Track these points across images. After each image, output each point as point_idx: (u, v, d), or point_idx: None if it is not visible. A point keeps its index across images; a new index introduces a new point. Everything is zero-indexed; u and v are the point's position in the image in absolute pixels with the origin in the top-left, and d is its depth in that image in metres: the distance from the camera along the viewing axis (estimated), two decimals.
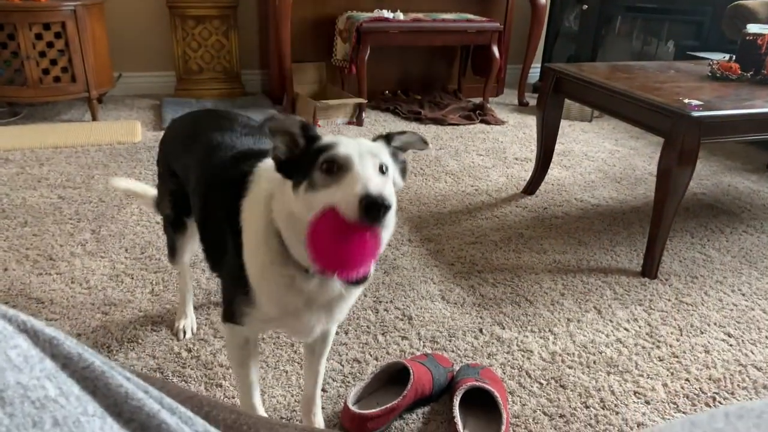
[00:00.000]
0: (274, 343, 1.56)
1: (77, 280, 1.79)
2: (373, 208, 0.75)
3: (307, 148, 0.91)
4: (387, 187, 0.84)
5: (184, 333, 1.58)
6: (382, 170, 0.87)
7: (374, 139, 0.97)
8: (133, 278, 1.82)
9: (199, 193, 1.19)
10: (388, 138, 0.97)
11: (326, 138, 0.91)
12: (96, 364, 0.36)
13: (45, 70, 3.06)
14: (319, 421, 1.30)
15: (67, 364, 0.36)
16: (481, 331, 1.67)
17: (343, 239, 0.76)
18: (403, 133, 0.99)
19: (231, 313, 1.08)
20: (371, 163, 0.84)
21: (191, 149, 1.25)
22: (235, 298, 1.05)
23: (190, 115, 1.41)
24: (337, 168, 0.83)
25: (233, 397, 1.38)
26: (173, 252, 1.50)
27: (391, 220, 0.80)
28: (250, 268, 1.00)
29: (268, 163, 1.04)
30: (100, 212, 2.22)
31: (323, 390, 1.41)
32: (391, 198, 0.78)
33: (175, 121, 1.44)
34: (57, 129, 3.08)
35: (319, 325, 1.04)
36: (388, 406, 1.28)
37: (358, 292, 1.06)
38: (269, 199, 0.96)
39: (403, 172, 1.01)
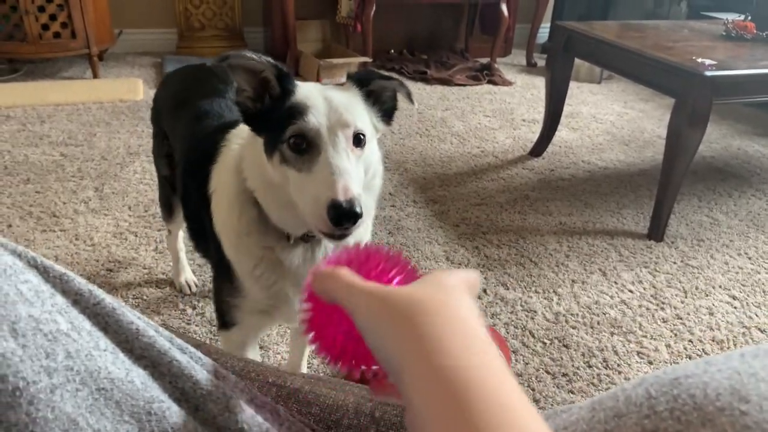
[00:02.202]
0: None
1: (81, 237, 1.79)
2: (341, 219, 0.70)
3: (280, 99, 0.79)
4: (360, 163, 0.78)
5: (189, 287, 1.58)
6: (359, 139, 0.78)
7: (363, 82, 0.85)
8: (137, 236, 1.82)
9: (180, 168, 1.12)
10: (361, 82, 0.84)
11: (299, 91, 0.80)
12: (107, 301, 0.36)
13: (44, 26, 3.00)
14: None
15: (78, 300, 0.36)
16: (485, 291, 1.67)
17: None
18: (387, 78, 0.85)
19: (221, 311, 0.99)
20: (343, 138, 0.76)
21: (179, 116, 1.16)
22: (221, 289, 0.97)
23: (184, 71, 1.33)
24: (306, 145, 0.76)
25: None
26: (168, 209, 1.45)
27: (365, 220, 0.76)
28: (225, 241, 0.91)
29: (242, 127, 0.94)
30: (102, 170, 2.21)
31: None
32: (363, 203, 0.72)
33: (168, 77, 1.37)
34: (58, 86, 3.04)
35: None
36: None
37: None
38: (240, 162, 0.87)
39: (390, 111, 0.89)
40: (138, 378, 0.35)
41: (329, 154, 0.74)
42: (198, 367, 0.39)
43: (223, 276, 0.94)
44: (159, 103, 1.34)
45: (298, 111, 0.76)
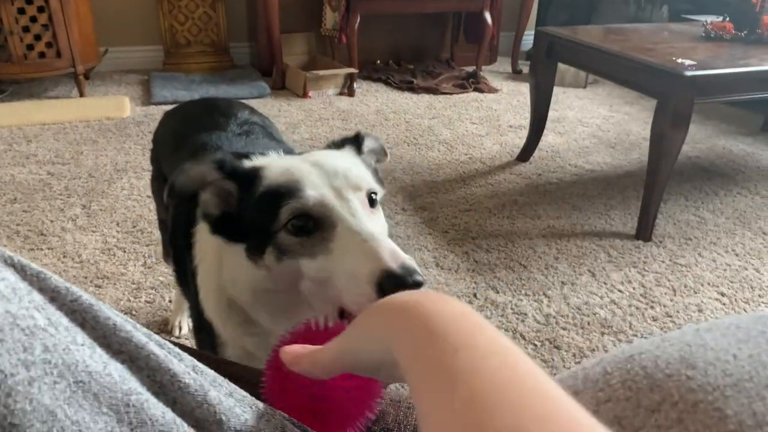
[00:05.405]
0: None
1: (69, 254, 1.78)
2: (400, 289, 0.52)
3: (243, 193, 0.66)
4: (380, 224, 0.64)
5: (180, 329, 1.53)
6: (371, 200, 0.65)
7: (340, 145, 0.75)
8: (125, 251, 1.81)
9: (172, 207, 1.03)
10: (357, 142, 0.75)
11: (270, 170, 0.65)
12: (83, 297, 0.37)
13: (29, 46, 3.00)
14: None
15: (55, 297, 0.36)
16: (475, 295, 1.67)
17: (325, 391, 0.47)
18: (369, 136, 0.79)
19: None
20: (357, 201, 0.62)
21: (178, 153, 1.08)
22: (201, 343, 0.90)
23: (183, 108, 1.28)
24: (314, 225, 0.61)
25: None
26: (168, 252, 1.36)
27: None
28: (211, 316, 0.82)
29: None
30: (90, 187, 2.20)
31: None
32: (417, 268, 0.56)
33: (167, 115, 1.29)
34: (44, 106, 3.04)
35: None
36: None
37: None
38: (219, 261, 0.74)
39: (377, 173, 0.78)
40: (116, 371, 0.35)
41: (349, 222, 0.60)
42: (176, 361, 0.40)
43: (205, 339, 0.86)
44: (157, 141, 1.29)
45: (285, 191, 0.62)
